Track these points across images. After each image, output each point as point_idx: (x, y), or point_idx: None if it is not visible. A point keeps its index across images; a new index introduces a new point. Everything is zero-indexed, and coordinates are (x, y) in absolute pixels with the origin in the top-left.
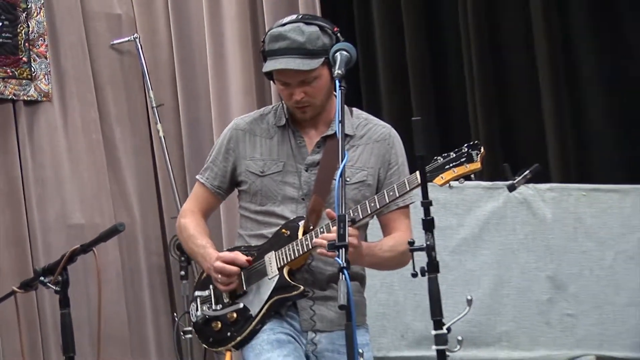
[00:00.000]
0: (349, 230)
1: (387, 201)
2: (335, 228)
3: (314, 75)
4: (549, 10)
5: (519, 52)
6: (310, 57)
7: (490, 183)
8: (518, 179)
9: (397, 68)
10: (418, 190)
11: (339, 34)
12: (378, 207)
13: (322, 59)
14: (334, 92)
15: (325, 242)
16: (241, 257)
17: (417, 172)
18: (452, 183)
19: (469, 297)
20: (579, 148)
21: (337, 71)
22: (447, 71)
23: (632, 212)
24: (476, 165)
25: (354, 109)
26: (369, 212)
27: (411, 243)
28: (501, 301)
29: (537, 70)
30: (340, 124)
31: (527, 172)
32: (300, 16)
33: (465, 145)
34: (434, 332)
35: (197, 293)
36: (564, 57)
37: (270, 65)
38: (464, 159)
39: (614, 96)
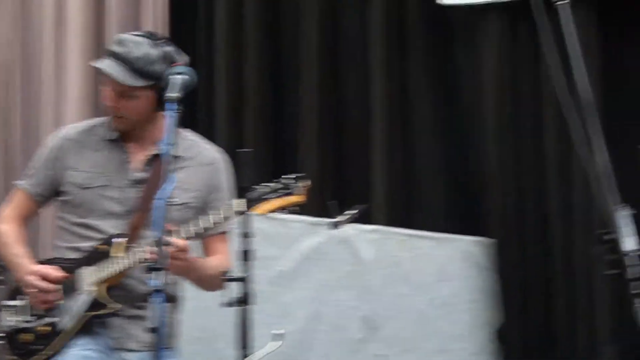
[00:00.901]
0: (179, 243)
1: (207, 225)
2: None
3: (134, 93)
4: (388, 50)
5: (356, 90)
6: (136, 75)
7: (314, 219)
8: (343, 218)
9: (236, 97)
10: (240, 219)
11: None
12: (199, 230)
13: (148, 84)
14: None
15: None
16: (55, 273)
17: (240, 200)
18: (277, 214)
19: (277, 332)
20: (407, 192)
21: (171, 94)
22: (286, 103)
23: (447, 261)
24: (300, 197)
25: (184, 130)
26: (190, 234)
27: (225, 273)
28: (315, 337)
29: (372, 113)
30: (168, 147)
31: (354, 212)
32: (155, 36)
33: (292, 176)
34: None
35: (7, 302)
36: (401, 102)
37: (99, 62)
38: (288, 190)
39: (447, 144)
